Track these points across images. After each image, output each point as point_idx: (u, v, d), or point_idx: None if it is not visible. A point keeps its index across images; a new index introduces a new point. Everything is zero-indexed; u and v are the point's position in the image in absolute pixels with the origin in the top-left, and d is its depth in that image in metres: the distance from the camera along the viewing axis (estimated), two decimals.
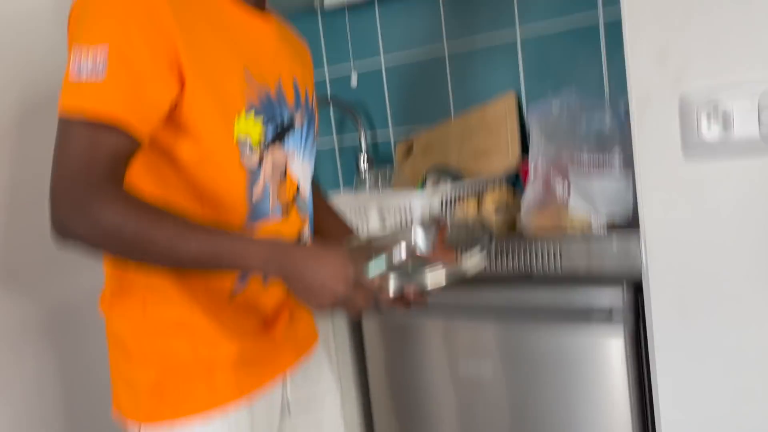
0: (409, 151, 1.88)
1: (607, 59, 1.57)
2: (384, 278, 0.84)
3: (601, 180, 1.10)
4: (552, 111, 1.16)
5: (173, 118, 0.89)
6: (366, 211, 1.45)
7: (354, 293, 0.84)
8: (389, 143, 1.98)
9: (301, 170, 1.03)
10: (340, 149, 2.08)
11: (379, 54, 1.95)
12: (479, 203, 1.38)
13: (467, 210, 1.34)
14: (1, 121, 1.36)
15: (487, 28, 1.75)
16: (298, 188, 1.03)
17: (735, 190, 0.95)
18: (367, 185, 1.74)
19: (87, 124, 0.83)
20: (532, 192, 1.19)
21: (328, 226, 1.16)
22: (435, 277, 0.83)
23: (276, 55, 1.01)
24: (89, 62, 0.83)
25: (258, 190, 0.96)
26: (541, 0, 1.66)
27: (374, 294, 0.86)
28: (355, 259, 0.86)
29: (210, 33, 0.91)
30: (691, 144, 0.96)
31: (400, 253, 0.88)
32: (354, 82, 2.02)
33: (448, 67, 1.84)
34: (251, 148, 0.94)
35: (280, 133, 0.98)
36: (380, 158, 2.00)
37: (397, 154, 1.92)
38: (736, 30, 0.93)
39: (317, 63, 2.08)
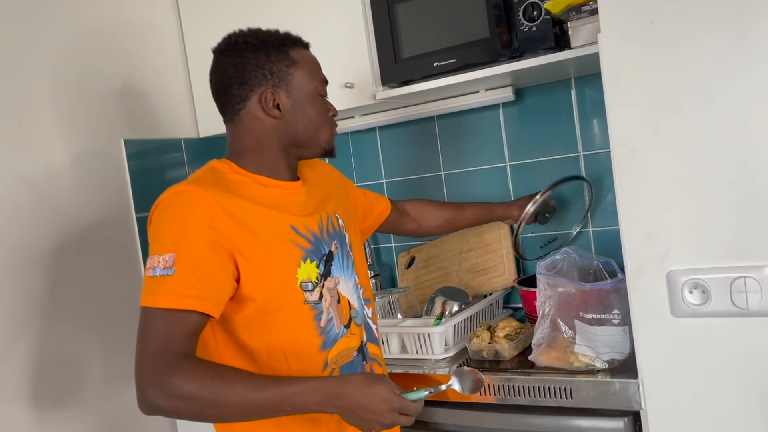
0: (410, 262, 2.08)
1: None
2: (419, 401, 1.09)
3: (603, 329, 1.32)
4: (556, 266, 1.37)
5: (241, 296, 1.10)
6: (387, 337, 1.63)
7: (397, 418, 1.06)
8: (391, 251, 2.17)
9: (347, 289, 1.24)
10: None
11: (380, 170, 2.16)
12: (491, 330, 1.57)
13: (482, 337, 1.54)
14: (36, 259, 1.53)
15: (479, 156, 1.98)
16: (350, 304, 1.24)
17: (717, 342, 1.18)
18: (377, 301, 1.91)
19: (163, 312, 1.03)
20: (541, 331, 1.40)
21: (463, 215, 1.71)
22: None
23: (308, 205, 1.23)
24: (161, 266, 1.04)
25: (324, 321, 1.17)
26: (527, 140, 1.90)
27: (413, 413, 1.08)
28: (396, 388, 1.06)
29: (258, 216, 1.13)
30: (677, 307, 1.19)
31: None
32: None
33: (444, 183, 2.05)
34: (312, 286, 1.16)
35: (327, 265, 1.20)
36: (381, 264, 2.19)
37: (398, 264, 2.11)
38: (712, 219, 1.16)
39: None
